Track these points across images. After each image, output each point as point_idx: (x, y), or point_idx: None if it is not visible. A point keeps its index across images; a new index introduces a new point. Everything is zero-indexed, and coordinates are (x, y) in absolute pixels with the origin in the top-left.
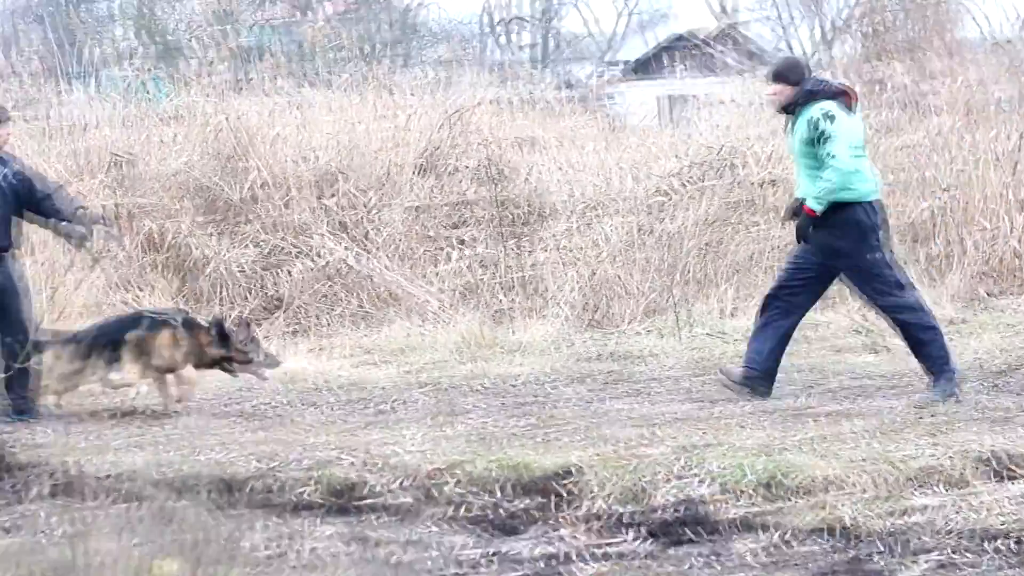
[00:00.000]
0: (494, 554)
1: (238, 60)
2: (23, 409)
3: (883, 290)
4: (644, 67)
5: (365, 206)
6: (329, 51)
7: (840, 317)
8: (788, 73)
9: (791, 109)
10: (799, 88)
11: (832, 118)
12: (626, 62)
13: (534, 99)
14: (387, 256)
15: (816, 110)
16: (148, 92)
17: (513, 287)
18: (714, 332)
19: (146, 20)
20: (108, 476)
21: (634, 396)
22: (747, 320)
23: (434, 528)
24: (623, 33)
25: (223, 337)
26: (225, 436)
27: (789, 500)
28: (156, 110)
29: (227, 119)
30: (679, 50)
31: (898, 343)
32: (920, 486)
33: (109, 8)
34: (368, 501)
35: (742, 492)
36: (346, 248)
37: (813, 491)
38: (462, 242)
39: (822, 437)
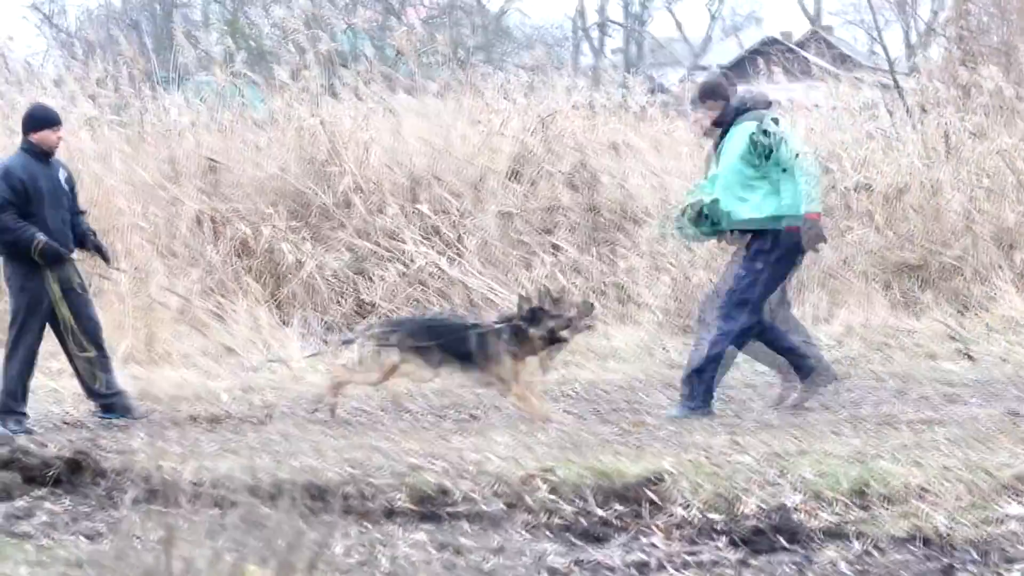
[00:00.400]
0: (583, 561)
1: (330, 65)
2: (110, 407)
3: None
4: (734, 71)
5: (457, 211)
6: (421, 55)
7: (933, 324)
8: (716, 91)
9: (723, 125)
10: (729, 103)
11: (777, 121)
12: (717, 66)
13: (625, 104)
14: (479, 261)
15: (752, 124)
16: (242, 97)
17: (605, 292)
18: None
19: (239, 25)
20: (200, 482)
21: (725, 402)
22: (840, 326)
23: (523, 535)
24: (713, 37)
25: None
26: (316, 442)
27: (880, 508)
28: (249, 115)
29: (321, 123)
30: (769, 54)
31: (989, 349)
32: (1015, 494)
33: (204, 13)
34: (458, 508)
35: (834, 500)
36: (438, 253)
37: (905, 499)
38: (554, 247)
39: (915, 444)
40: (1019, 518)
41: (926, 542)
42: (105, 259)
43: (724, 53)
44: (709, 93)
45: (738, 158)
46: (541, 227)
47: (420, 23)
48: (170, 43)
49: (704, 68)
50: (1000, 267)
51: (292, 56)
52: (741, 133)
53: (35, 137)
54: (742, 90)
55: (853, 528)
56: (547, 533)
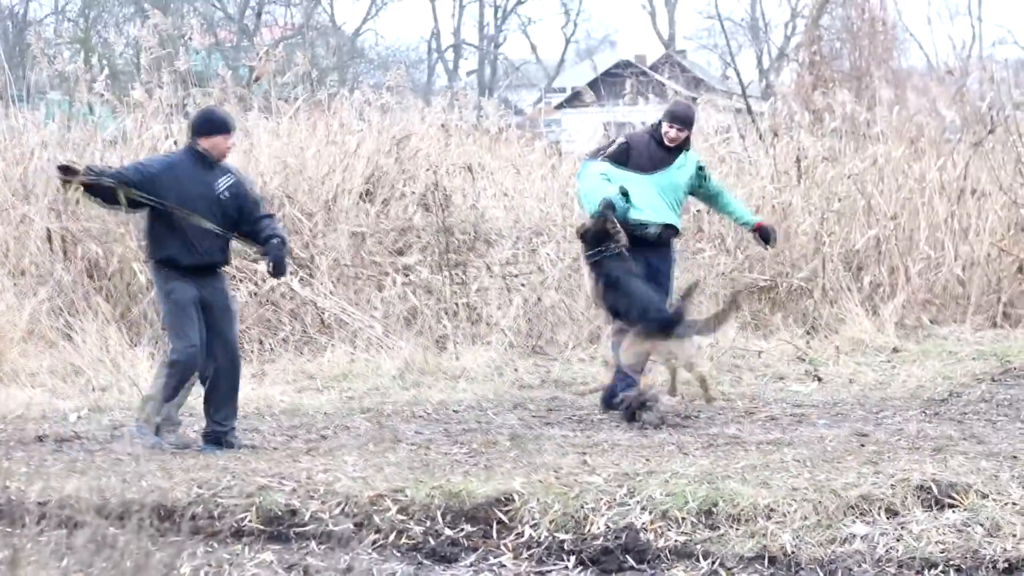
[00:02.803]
0: None
1: (184, 84)
2: (218, 439)
3: None
4: (588, 93)
5: (310, 231)
6: (276, 75)
7: (782, 345)
8: (693, 122)
9: (680, 148)
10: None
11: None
12: (570, 88)
13: (480, 125)
14: (331, 281)
15: (694, 153)
16: (92, 116)
17: (456, 313)
18: None
19: (91, 44)
20: (46, 502)
21: (575, 423)
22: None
23: (372, 555)
24: (567, 59)
25: None
26: (164, 462)
27: (728, 527)
28: (101, 134)
29: (175, 143)
30: (623, 76)
31: (837, 371)
32: (859, 514)
33: (56, 31)
34: (306, 528)
35: (681, 520)
36: (290, 273)
37: (753, 519)
38: (406, 268)
39: (763, 465)
40: (864, 537)
41: (772, 561)
42: (278, 274)
43: (578, 76)
44: (690, 121)
45: (688, 177)
46: (393, 248)
47: (276, 44)
48: (21, 60)
49: (558, 90)
50: (849, 289)
51: (146, 74)
52: (692, 158)
53: (206, 143)
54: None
55: (701, 547)
56: (396, 553)
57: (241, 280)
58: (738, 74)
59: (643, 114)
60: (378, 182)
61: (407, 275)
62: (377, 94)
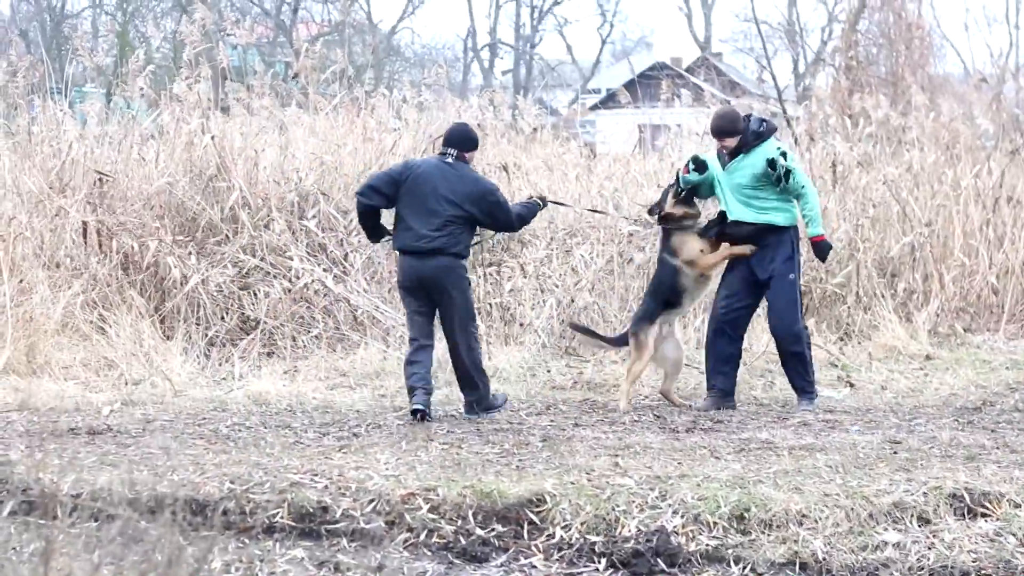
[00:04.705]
0: None
1: (221, 80)
2: (489, 406)
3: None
4: (623, 94)
5: (344, 228)
6: (313, 72)
7: (815, 350)
8: (733, 127)
9: (737, 150)
10: (743, 133)
11: (786, 155)
12: (606, 89)
13: (515, 125)
14: (364, 279)
15: (772, 148)
16: (130, 109)
17: (490, 313)
18: (690, 361)
19: (128, 38)
20: (79, 494)
21: (608, 425)
22: None
23: (403, 553)
24: (603, 61)
25: None
26: (197, 457)
27: (760, 533)
28: (138, 128)
29: (212, 139)
30: (659, 79)
31: (870, 377)
32: (891, 522)
33: (94, 25)
34: (338, 525)
35: (713, 524)
36: (324, 270)
37: (784, 524)
38: None
39: (795, 470)
40: (896, 545)
41: (804, 567)
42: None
43: (614, 77)
44: (724, 132)
45: (752, 177)
46: None
47: (313, 41)
48: (58, 53)
49: (594, 91)
50: (883, 296)
51: (186, 69)
52: (760, 156)
53: (467, 156)
54: (754, 118)
55: (732, 552)
56: (427, 552)
57: (275, 276)
58: (774, 78)
59: (678, 116)
60: None
61: None
62: (415, 92)
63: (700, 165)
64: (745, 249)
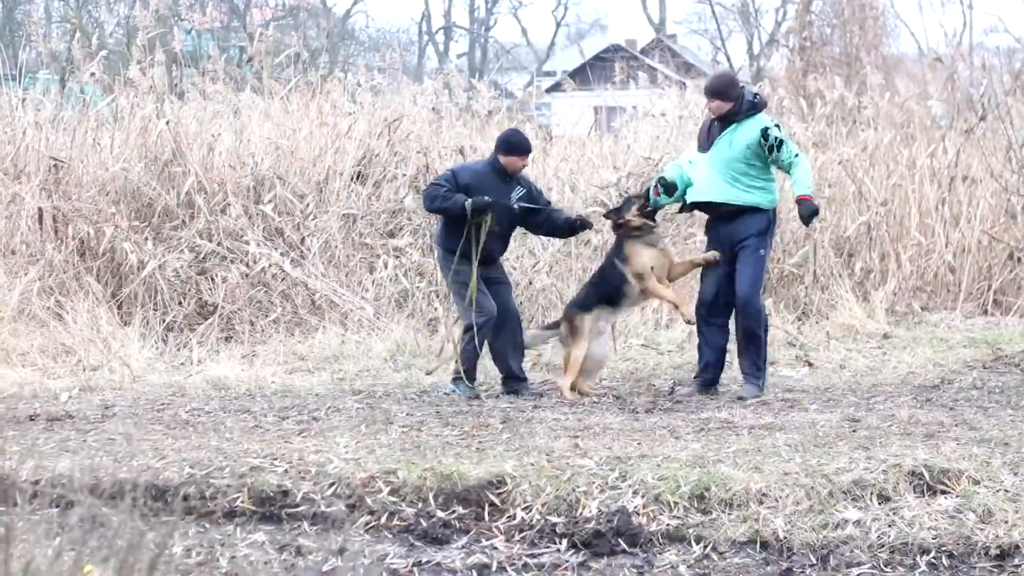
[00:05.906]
0: (424, 563)
1: (176, 65)
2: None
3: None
4: (578, 77)
5: (301, 212)
6: (268, 56)
7: (773, 330)
8: (727, 90)
9: (730, 119)
10: (737, 101)
11: (779, 126)
12: (560, 72)
13: (471, 108)
14: (322, 263)
15: (766, 119)
16: (83, 95)
17: (447, 296)
18: (649, 343)
19: (82, 23)
20: (39, 481)
21: (567, 406)
22: (681, 331)
23: (364, 536)
24: (558, 43)
25: None
26: (157, 442)
27: (720, 512)
28: (92, 114)
29: (167, 124)
30: (613, 61)
31: (828, 356)
32: (851, 500)
33: (47, 11)
34: (298, 509)
35: (674, 504)
36: (281, 254)
37: (745, 503)
38: (397, 250)
39: (755, 449)
40: (857, 523)
41: (765, 546)
42: (583, 227)
43: (569, 59)
44: (716, 92)
45: (744, 147)
46: (384, 230)
47: (267, 24)
48: (12, 39)
49: (549, 74)
50: (840, 275)
51: (139, 54)
52: (752, 126)
53: (504, 160)
54: (748, 90)
55: (693, 531)
56: (388, 535)
57: (232, 261)
58: (728, 59)
59: (633, 98)
60: (369, 164)
61: (398, 257)
62: (370, 76)
63: (669, 187)
64: (683, 299)
